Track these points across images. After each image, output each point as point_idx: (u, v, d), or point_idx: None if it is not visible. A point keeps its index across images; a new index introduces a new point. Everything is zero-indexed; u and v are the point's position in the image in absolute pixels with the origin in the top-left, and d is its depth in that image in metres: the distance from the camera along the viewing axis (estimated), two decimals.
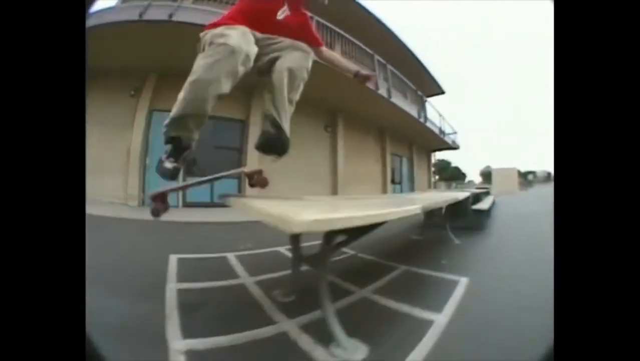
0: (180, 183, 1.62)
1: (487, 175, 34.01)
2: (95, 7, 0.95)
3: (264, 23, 1.57)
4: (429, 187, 15.09)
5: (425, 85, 14.03)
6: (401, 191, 12.26)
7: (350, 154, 9.26)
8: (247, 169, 1.64)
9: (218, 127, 6.32)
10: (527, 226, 4.40)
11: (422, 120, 10.64)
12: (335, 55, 2.03)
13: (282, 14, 1.64)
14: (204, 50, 1.39)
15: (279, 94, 1.51)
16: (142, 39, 5.49)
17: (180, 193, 5.94)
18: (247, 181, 1.80)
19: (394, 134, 11.40)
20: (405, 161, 13.01)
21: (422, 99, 11.56)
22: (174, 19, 5.19)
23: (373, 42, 8.97)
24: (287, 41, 1.57)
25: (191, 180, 1.65)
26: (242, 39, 1.36)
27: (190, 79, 1.32)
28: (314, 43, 1.80)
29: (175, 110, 1.33)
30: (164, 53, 5.55)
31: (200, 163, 1.60)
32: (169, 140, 1.39)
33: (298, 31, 1.71)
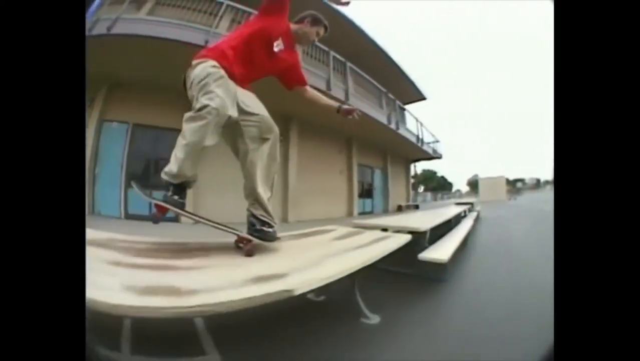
0: (187, 210, 1.64)
1: (474, 184, 33.13)
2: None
3: (262, 55, 1.70)
4: (407, 200, 13.87)
5: (403, 90, 12.97)
6: (372, 205, 11.01)
7: (307, 166, 8.06)
8: (242, 233, 1.63)
9: (159, 137, 6.07)
10: (517, 274, 2.99)
11: (392, 126, 9.44)
12: (317, 94, 2.09)
13: (277, 47, 1.74)
14: (191, 87, 1.56)
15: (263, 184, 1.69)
16: (93, 52, 4.85)
17: (123, 204, 6.01)
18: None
19: (363, 143, 10.20)
20: (378, 172, 11.80)
21: (395, 103, 10.38)
22: (113, 32, 5.08)
23: (334, 38, 7.89)
24: (262, 118, 1.69)
25: (196, 216, 1.66)
26: (226, 98, 1.49)
27: (182, 142, 1.51)
28: (301, 83, 1.99)
29: (173, 167, 1.53)
30: (114, 64, 5.50)
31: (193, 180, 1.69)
32: (174, 185, 1.56)
33: (289, 68, 1.89)
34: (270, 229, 1.66)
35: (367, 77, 9.26)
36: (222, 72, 1.53)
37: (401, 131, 9.96)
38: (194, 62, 1.57)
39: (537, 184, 58.78)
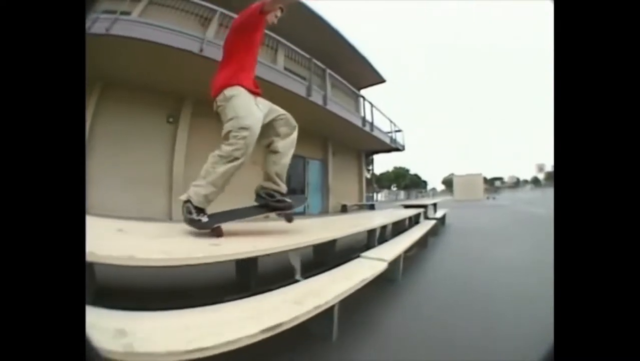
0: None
1: (450, 183, 31.57)
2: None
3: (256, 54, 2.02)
4: (360, 200, 11.81)
5: (357, 72, 11.01)
6: (305, 205, 8.87)
7: (200, 153, 5.95)
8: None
9: None
10: None
11: (319, 102, 7.33)
12: None
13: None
14: (224, 116, 1.79)
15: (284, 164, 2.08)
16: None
17: None
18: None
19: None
20: (316, 164, 9.69)
21: (325, 72, 8.27)
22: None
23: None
24: (286, 116, 2.00)
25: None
26: (257, 126, 1.77)
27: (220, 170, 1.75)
28: None
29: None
30: None
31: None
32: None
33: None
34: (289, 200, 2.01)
35: (289, 44, 7.20)
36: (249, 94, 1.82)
37: (332, 108, 7.81)
38: (220, 98, 1.79)
39: (517, 183, 58.37)
